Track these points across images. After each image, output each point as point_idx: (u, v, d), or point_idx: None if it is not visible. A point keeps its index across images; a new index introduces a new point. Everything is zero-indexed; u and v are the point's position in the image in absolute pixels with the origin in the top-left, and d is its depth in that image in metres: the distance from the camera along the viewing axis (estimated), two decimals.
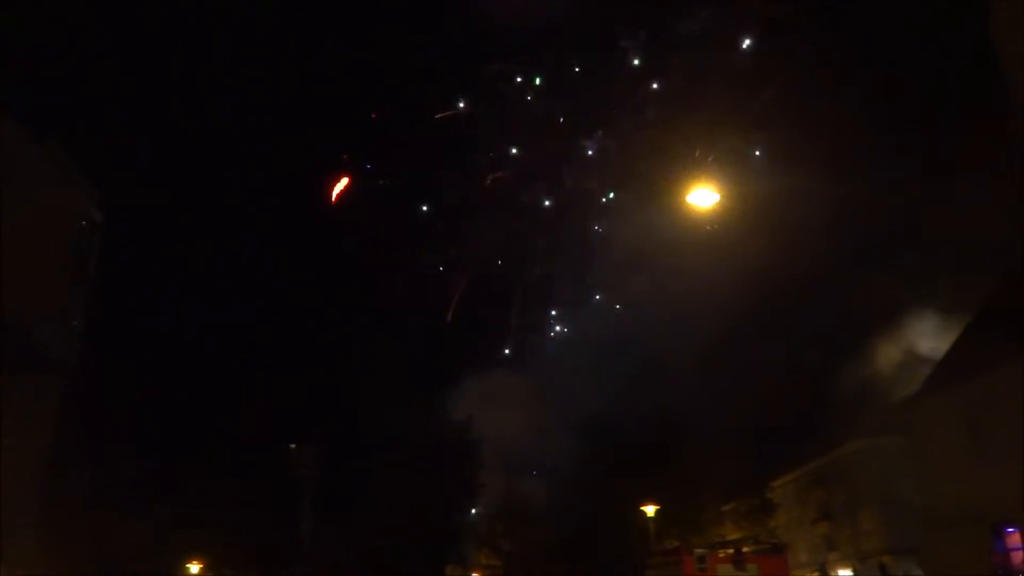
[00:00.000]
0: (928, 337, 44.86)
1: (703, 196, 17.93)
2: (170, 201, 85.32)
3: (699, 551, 31.57)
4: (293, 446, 65.93)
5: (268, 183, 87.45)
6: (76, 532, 38.03)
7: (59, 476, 38.01)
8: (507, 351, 72.49)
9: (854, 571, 51.71)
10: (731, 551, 31.82)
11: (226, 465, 49.94)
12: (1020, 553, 26.67)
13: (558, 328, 76.01)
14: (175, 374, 66.58)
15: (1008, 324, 29.58)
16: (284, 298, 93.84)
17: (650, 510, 42.25)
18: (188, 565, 50.73)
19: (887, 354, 48.97)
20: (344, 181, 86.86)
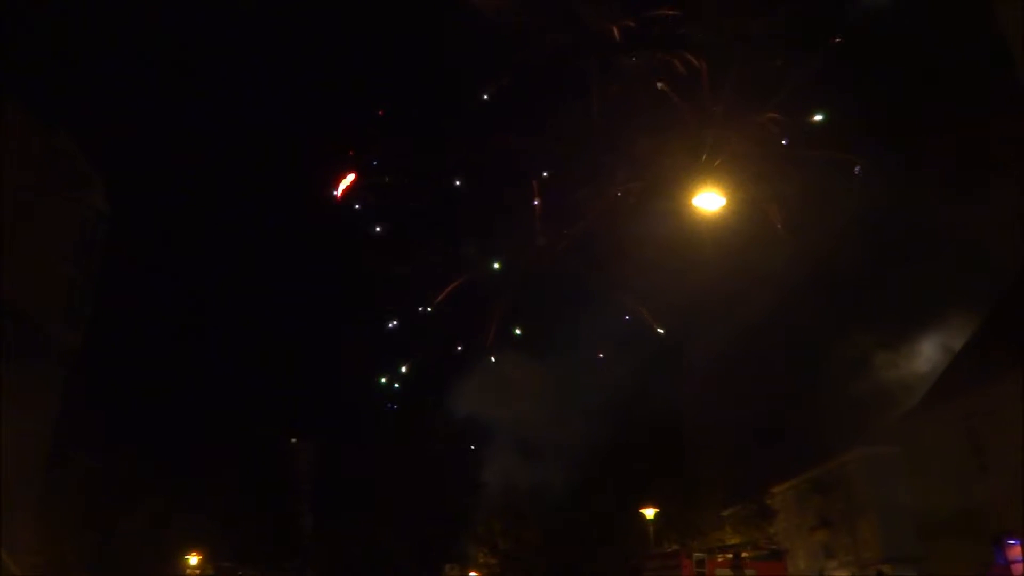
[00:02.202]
0: (932, 347, 44.79)
1: (709, 199, 17.84)
2: (176, 193, 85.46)
3: (698, 555, 31.66)
4: (294, 440, 66.07)
5: (275, 177, 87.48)
6: (76, 521, 38.14)
7: (60, 465, 38.12)
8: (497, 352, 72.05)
9: None
10: (730, 556, 31.89)
11: (227, 458, 50.06)
12: (1020, 565, 26.60)
13: (559, 328, 75.90)
14: (178, 365, 66.66)
15: (1010, 337, 29.58)
16: (288, 291, 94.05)
17: (650, 513, 42.24)
18: (188, 557, 50.91)
19: (890, 363, 48.87)
20: (350, 177, 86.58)
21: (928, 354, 45.28)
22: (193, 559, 51.18)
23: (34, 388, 34.61)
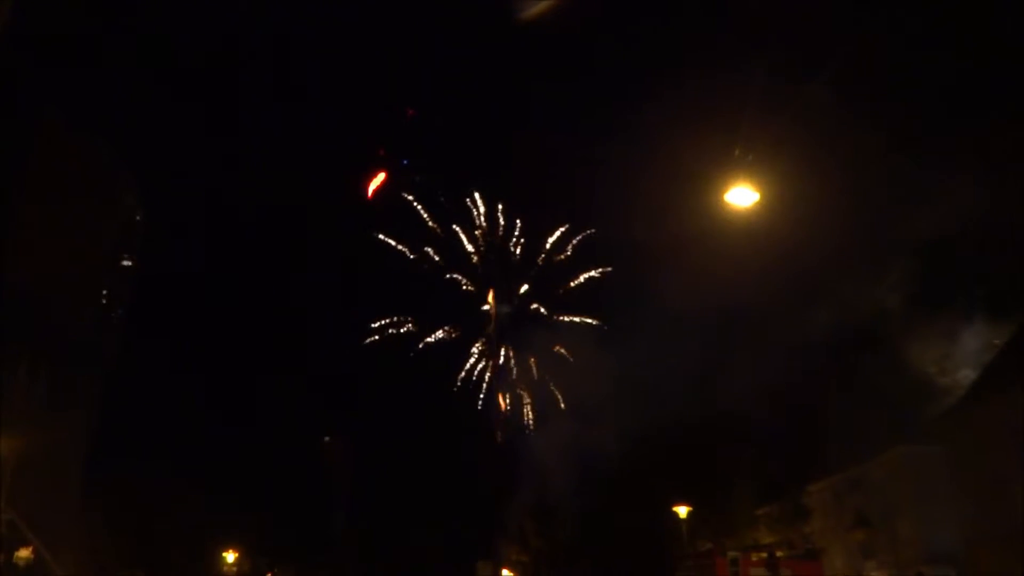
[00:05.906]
0: (975, 344, 43.86)
1: (742, 195, 17.53)
2: (210, 198, 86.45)
3: (732, 554, 31.34)
4: (327, 438, 66.55)
5: (307, 180, 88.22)
6: (117, 521, 38.71)
7: (100, 465, 38.73)
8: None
9: None
10: (764, 555, 31.48)
11: (262, 457, 50.61)
12: None
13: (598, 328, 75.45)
14: (212, 367, 67.41)
15: None
16: (323, 292, 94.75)
17: (683, 511, 41.89)
18: (224, 554, 51.59)
19: (931, 359, 47.94)
20: (381, 177, 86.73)
21: (971, 351, 44.37)
22: (230, 556, 51.83)
23: (71, 393, 35.14)
